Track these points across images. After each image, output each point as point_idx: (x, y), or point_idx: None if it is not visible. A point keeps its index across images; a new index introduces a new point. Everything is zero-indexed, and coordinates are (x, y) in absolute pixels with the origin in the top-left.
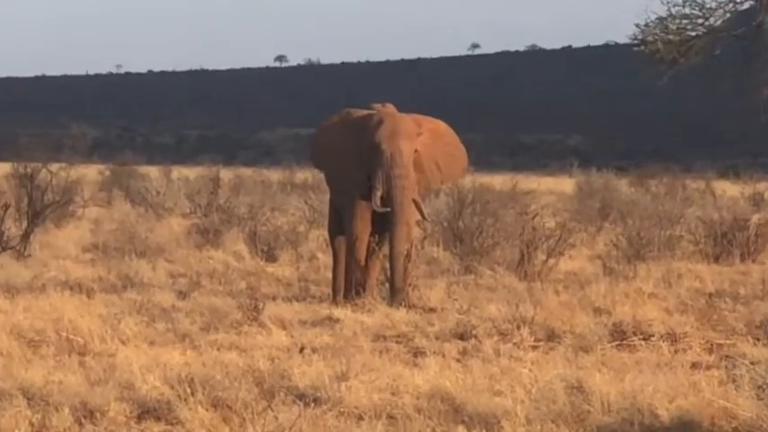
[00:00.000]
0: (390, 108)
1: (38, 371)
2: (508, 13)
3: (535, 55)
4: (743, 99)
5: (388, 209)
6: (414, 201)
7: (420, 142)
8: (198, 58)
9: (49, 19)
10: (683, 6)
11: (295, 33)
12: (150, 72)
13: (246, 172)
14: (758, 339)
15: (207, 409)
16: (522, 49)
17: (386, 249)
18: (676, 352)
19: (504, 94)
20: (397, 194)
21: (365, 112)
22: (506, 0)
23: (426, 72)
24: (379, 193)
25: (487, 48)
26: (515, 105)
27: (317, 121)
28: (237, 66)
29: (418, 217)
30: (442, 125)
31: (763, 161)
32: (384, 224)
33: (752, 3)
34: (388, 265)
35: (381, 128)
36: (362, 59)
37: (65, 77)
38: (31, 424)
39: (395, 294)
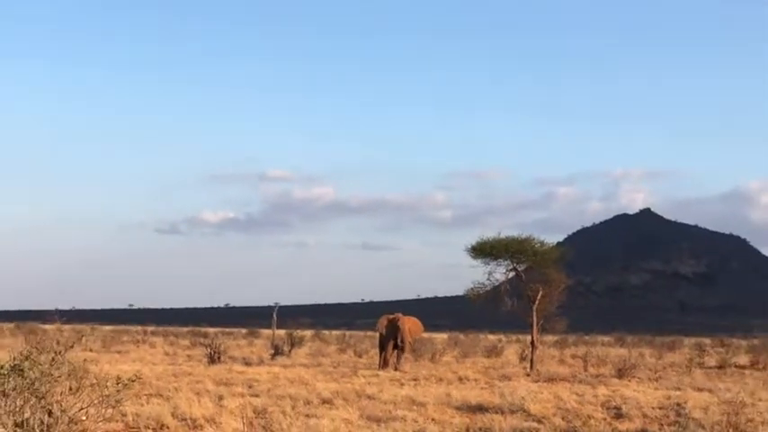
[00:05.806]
0: (399, 314)
1: (297, 390)
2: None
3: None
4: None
5: (402, 345)
6: (409, 342)
7: (409, 324)
8: (333, 296)
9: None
10: (484, 277)
11: (373, 285)
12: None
13: (354, 332)
14: (503, 378)
15: (342, 401)
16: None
17: (395, 356)
18: (476, 383)
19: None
20: (404, 341)
21: (394, 315)
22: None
23: (411, 304)
24: (399, 340)
25: (442, 292)
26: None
27: (376, 317)
28: (353, 300)
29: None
30: (414, 318)
31: (519, 330)
32: (397, 348)
33: (512, 275)
34: (395, 360)
35: (400, 321)
36: (382, 299)
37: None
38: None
39: (399, 368)
